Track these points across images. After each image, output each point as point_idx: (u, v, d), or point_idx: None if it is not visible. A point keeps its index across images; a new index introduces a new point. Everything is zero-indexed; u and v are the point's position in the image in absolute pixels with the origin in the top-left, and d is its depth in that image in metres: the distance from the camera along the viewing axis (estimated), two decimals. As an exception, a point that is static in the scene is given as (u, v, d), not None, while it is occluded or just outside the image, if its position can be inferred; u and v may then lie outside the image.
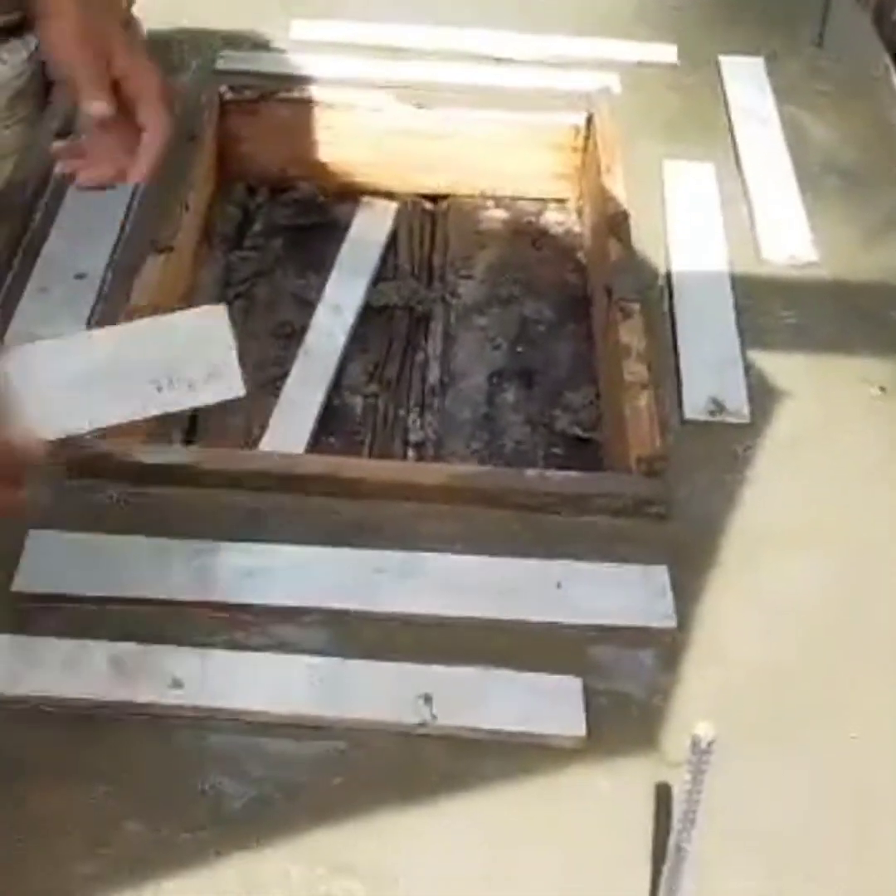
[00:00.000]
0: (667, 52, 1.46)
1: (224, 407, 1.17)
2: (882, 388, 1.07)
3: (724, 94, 1.40)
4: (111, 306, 1.12)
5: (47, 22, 1.00)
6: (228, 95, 1.39)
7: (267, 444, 1.15)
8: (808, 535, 0.96)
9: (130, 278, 1.14)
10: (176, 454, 1.02)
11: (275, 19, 1.49)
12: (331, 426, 1.19)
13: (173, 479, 0.99)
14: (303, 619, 0.90)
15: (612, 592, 0.92)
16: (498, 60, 1.45)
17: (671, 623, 0.90)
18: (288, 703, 0.85)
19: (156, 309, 1.14)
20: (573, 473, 1.01)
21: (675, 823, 0.67)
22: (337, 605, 0.91)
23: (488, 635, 0.89)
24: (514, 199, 1.43)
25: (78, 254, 1.15)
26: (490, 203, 1.43)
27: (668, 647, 0.89)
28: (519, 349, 1.27)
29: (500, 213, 1.42)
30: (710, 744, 0.64)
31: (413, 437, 1.19)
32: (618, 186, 1.25)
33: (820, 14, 1.47)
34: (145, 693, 0.85)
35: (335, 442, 1.18)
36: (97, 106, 0.99)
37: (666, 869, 0.69)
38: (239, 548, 0.95)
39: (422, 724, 0.83)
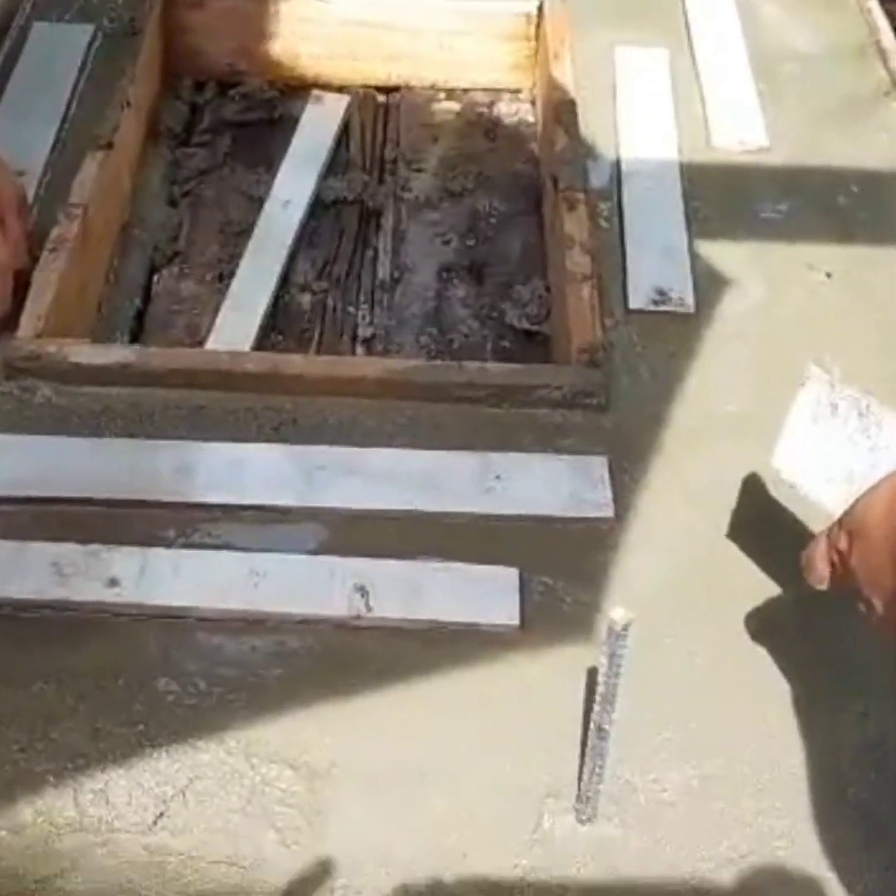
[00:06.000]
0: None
1: (170, 306, 1.19)
2: (828, 274, 1.06)
3: (680, -22, 1.37)
4: (50, 204, 1.10)
5: None
6: (172, -13, 1.36)
7: (213, 342, 1.13)
8: (747, 425, 0.96)
9: (70, 176, 1.12)
10: (115, 353, 1.01)
11: None
12: (279, 323, 1.18)
13: (113, 379, 0.98)
14: (242, 516, 0.90)
15: (550, 483, 0.92)
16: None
17: (608, 512, 0.90)
18: (226, 599, 0.85)
19: (96, 208, 1.12)
20: (513, 365, 1.01)
21: (596, 705, 0.68)
22: (277, 501, 0.91)
23: (426, 528, 0.89)
24: (467, 90, 1.40)
25: (16, 151, 1.13)
26: (442, 95, 1.40)
27: (604, 536, 0.89)
28: (469, 243, 1.25)
29: (453, 105, 1.40)
30: (625, 627, 0.64)
31: (362, 333, 1.18)
32: (566, 74, 1.22)
33: None
34: (83, 593, 0.85)
35: (283, 339, 1.17)
36: None
37: (589, 748, 0.70)
38: (179, 446, 0.94)
39: (357, 617, 0.84)
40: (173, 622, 0.84)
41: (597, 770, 0.70)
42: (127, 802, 0.74)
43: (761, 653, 0.83)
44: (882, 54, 1.28)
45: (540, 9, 1.34)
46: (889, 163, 1.17)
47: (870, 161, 1.17)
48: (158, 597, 0.85)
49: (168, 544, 0.88)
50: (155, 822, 0.73)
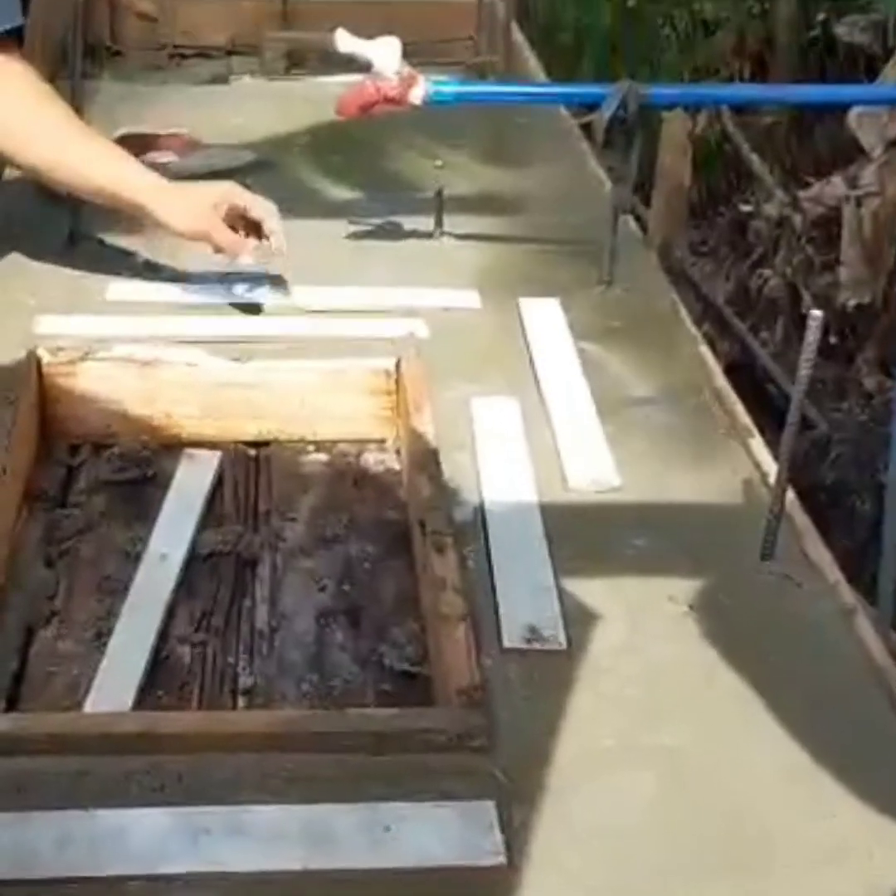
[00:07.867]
0: (470, 298, 1.56)
1: (48, 667, 1.18)
2: (689, 606, 1.12)
3: (525, 333, 1.49)
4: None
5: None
6: (46, 358, 1.42)
7: (92, 703, 1.13)
8: (629, 757, 0.98)
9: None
10: (-8, 723, 1.00)
11: (92, 281, 1.54)
12: (159, 678, 1.18)
13: (-11, 749, 0.97)
14: (128, 889, 0.88)
15: (439, 832, 0.92)
16: (312, 313, 1.52)
17: (500, 859, 0.90)
18: (111, 980, 0.82)
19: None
20: (393, 711, 1.02)
21: None
22: (161, 870, 0.89)
23: (318, 887, 0.88)
24: (335, 442, 1.47)
25: None
26: (311, 447, 1.47)
27: (497, 884, 0.88)
28: (345, 588, 1.29)
29: (322, 456, 1.46)
30: None
31: (242, 684, 1.18)
32: (427, 425, 1.30)
33: (608, 255, 1.58)
34: None
35: (164, 694, 1.17)
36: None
37: None
38: (58, 817, 0.92)
39: None
40: None
41: None
42: None
43: None
44: (717, 396, 1.40)
45: (397, 364, 1.43)
46: (733, 497, 1.26)
47: (717, 496, 1.25)
48: None
49: (48, 926, 0.85)
50: None
